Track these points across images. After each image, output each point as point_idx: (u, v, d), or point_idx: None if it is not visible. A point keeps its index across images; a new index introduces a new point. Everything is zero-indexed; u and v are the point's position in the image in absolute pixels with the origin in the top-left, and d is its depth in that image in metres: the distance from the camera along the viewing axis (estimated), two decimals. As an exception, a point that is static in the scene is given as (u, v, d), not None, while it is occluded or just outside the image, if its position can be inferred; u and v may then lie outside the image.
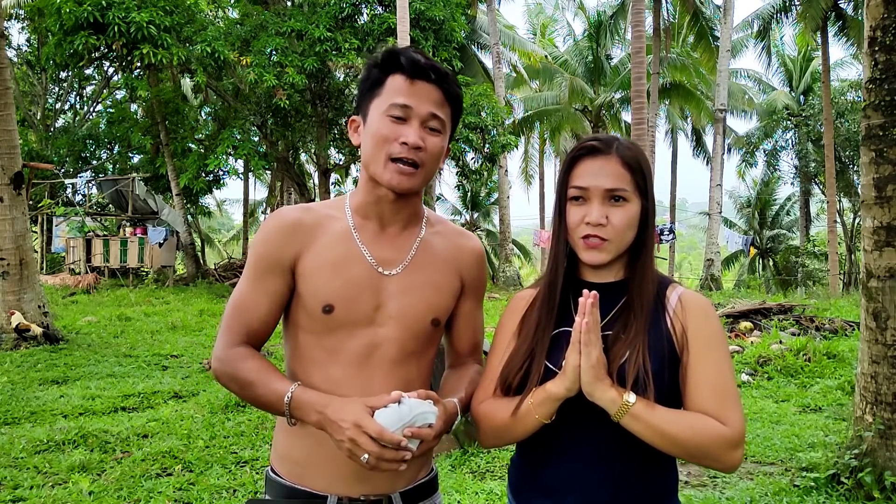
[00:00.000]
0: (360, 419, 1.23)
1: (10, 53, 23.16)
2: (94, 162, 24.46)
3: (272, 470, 1.48)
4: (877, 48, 3.87)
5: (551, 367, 1.33)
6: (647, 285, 1.37)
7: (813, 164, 24.76)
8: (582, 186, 1.35)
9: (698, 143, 29.76)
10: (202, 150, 17.67)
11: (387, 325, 1.42)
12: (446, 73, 1.42)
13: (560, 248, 1.41)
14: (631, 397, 1.23)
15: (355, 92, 17.71)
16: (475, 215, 29.71)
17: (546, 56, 26.20)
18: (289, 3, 18.82)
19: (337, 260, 1.41)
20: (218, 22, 18.80)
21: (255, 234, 1.47)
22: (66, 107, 27.57)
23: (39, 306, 9.16)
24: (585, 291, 1.24)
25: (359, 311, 1.40)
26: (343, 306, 1.39)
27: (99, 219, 23.89)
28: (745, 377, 7.17)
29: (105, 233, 22.85)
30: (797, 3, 21.00)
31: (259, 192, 35.77)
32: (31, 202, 16.21)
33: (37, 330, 8.85)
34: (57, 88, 26.75)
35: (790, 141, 26.10)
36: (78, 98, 27.60)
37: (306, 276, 1.41)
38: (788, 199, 31.02)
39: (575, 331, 1.24)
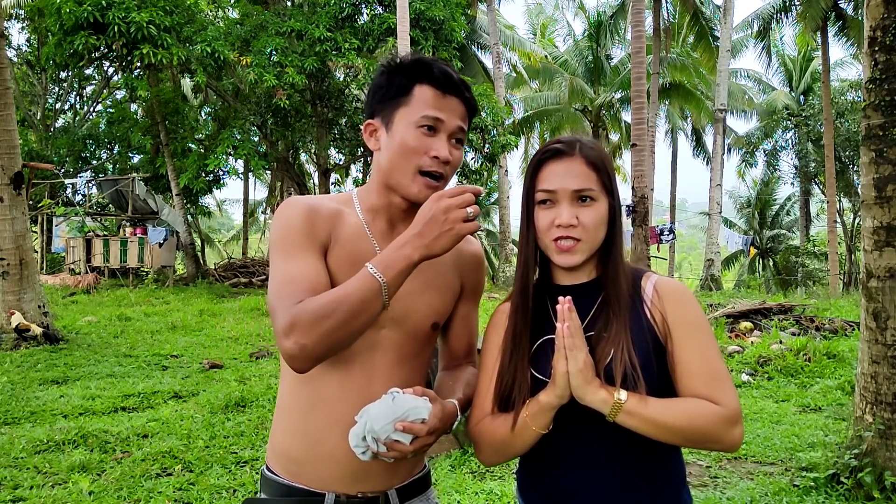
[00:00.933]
0: (441, 195, 1.26)
1: (10, 53, 23.16)
2: (94, 162, 24.44)
3: (268, 468, 1.48)
4: (877, 48, 3.87)
5: (540, 377, 1.33)
6: (620, 280, 1.37)
7: (813, 164, 24.76)
8: (549, 189, 1.36)
9: (698, 143, 29.76)
10: (202, 150, 17.67)
11: (387, 326, 1.42)
12: (469, 86, 1.45)
13: (529, 253, 1.41)
14: (622, 395, 1.24)
15: (355, 92, 17.89)
16: (475, 215, 29.67)
17: (546, 56, 26.18)
18: (289, 3, 18.83)
19: (356, 256, 1.39)
20: (218, 22, 18.79)
21: (277, 220, 1.41)
22: (66, 107, 27.57)
23: (39, 306, 9.16)
24: (561, 298, 1.25)
25: None
26: None
27: (99, 219, 23.88)
28: (745, 377, 7.17)
29: (105, 233, 22.83)
30: (797, 3, 21.00)
31: (259, 192, 35.81)
32: (31, 202, 16.20)
33: (37, 330, 8.84)
34: (57, 88, 26.74)
35: (790, 141, 26.11)
36: (78, 98, 27.59)
37: (331, 267, 1.38)
38: (788, 199, 31.02)
39: (558, 338, 1.24)
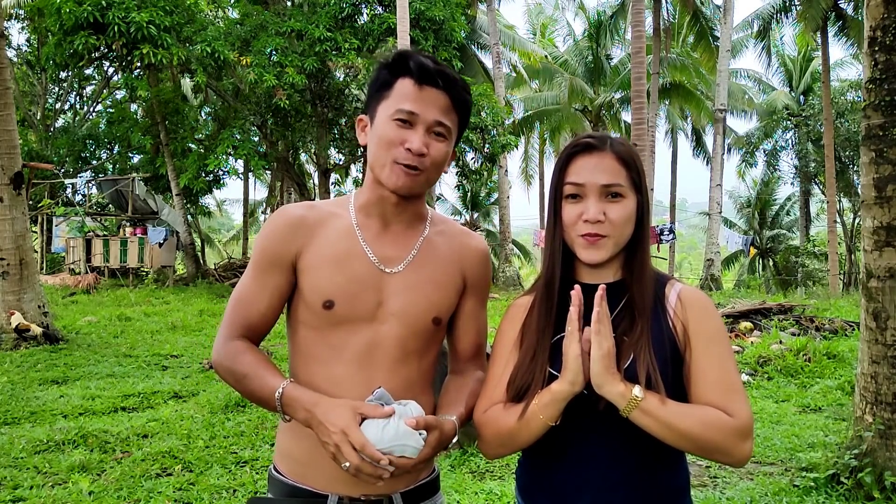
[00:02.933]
0: (347, 427, 1.23)
1: (10, 53, 23.16)
2: (94, 162, 24.45)
3: (275, 468, 1.48)
4: (877, 48, 3.87)
5: (556, 374, 1.30)
6: (646, 284, 1.35)
7: (813, 164, 24.76)
8: (578, 183, 1.34)
9: (698, 143, 29.74)
10: (202, 150, 17.68)
11: (388, 322, 1.41)
12: (455, 79, 1.42)
13: (556, 248, 1.39)
14: (638, 392, 1.22)
15: (355, 92, 17.90)
16: (475, 215, 29.70)
17: (546, 56, 26.18)
18: (289, 3, 18.83)
19: (339, 256, 1.42)
20: (218, 22, 18.79)
21: (259, 230, 1.49)
22: (66, 107, 27.58)
23: (39, 306, 9.16)
24: (576, 288, 1.24)
25: (360, 307, 1.40)
26: (344, 302, 1.39)
27: (99, 219, 23.88)
28: (745, 377, 7.17)
29: (105, 233, 22.83)
30: (797, 3, 20.99)
31: (259, 192, 35.81)
32: (31, 202, 16.21)
33: (37, 330, 8.84)
34: (57, 88, 26.74)
35: (790, 141, 26.10)
36: (78, 98, 27.60)
37: (308, 272, 1.42)
38: (788, 199, 30.99)
39: (570, 322, 1.23)
